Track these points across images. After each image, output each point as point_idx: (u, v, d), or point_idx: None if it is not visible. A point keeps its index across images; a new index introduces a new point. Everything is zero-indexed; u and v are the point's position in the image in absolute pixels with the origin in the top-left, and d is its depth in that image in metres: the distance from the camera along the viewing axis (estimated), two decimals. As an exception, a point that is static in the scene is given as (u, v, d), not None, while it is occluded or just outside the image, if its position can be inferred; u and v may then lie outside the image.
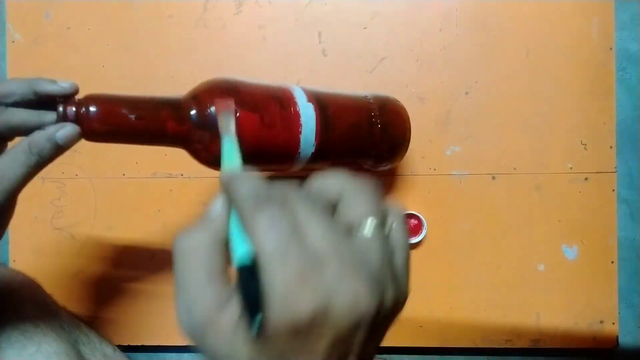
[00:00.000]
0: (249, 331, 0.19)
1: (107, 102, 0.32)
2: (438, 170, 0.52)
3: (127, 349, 0.53)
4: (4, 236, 0.54)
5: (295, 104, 0.38)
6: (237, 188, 0.20)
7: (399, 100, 0.47)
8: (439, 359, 0.54)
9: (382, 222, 0.22)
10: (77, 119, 0.31)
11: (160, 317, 0.53)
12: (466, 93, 0.52)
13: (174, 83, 0.53)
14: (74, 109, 0.31)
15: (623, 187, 0.53)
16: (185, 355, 0.55)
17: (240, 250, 0.20)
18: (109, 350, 0.50)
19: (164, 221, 0.53)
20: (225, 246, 0.21)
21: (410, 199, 0.52)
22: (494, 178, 0.52)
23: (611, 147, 0.52)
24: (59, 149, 0.31)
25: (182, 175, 0.53)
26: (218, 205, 0.22)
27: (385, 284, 0.21)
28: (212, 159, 0.36)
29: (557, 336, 0.52)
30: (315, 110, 0.39)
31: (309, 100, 0.39)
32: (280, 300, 0.18)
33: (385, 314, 0.20)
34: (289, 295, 0.18)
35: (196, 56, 0.53)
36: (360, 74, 0.53)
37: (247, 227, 0.19)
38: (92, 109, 0.31)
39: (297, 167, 0.41)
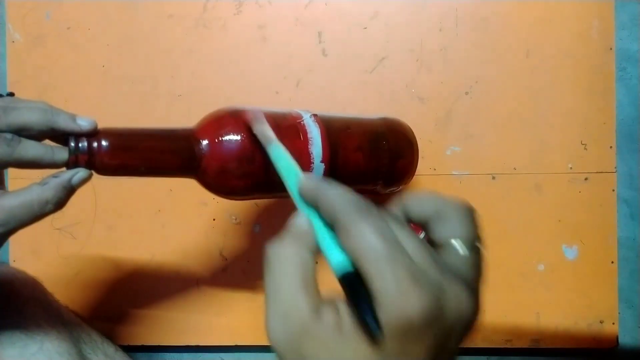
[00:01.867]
0: (357, 335, 0.20)
1: (119, 137, 0.32)
2: (438, 170, 0.52)
3: (127, 349, 0.53)
4: (4, 236, 0.54)
5: (304, 130, 0.37)
6: (333, 196, 0.22)
7: (404, 122, 0.46)
8: None
9: (472, 242, 0.23)
10: (89, 154, 0.31)
11: (161, 317, 0.53)
12: (466, 93, 0.52)
13: (174, 83, 0.53)
14: (86, 144, 0.31)
15: (623, 187, 0.53)
16: (185, 355, 0.55)
17: (339, 258, 0.21)
18: (110, 349, 0.50)
19: (164, 221, 0.53)
20: (315, 256, 0.22)
21: (410, 199, 0.52)
22: (494, 178, 0.52)
23: (611, 147, 0.52)
24: (72, 194, 0.31)
25: (182, 175, 0.53)
26: (304, 217, 0.23)
27: (479, 294, 0.22)
28: (224, 189, 0.36)
29: (557, 336, 0.52)
30: (322, 136, 0.38)
31: (317, 125, 0.38)
32: (394, 300, 0.19)
33: (473, 326, 0.22)
34: (402, 295, 0.19)
35: (196, 56, 0.53)
36: (360, 74, 0.53)
37: (348, 234, 0.20)
38: (104, 143, 0.31)
39: None
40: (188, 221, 0.53)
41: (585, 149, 0.52)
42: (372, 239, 0.20)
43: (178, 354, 0.55)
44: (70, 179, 0.30)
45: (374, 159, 0.42)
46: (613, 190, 0.52)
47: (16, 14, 0.54)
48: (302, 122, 0.38)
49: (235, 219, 0.53)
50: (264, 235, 0.53)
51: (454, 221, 0.23)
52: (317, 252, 0.22)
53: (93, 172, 0.31)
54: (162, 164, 0.34)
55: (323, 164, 0.38)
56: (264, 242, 0.55)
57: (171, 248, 0.53)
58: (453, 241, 0.22)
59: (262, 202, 0.53)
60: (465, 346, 0.56)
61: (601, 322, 0.52)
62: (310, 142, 0.37)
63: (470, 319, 0.21)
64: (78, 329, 0.48)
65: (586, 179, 0.52)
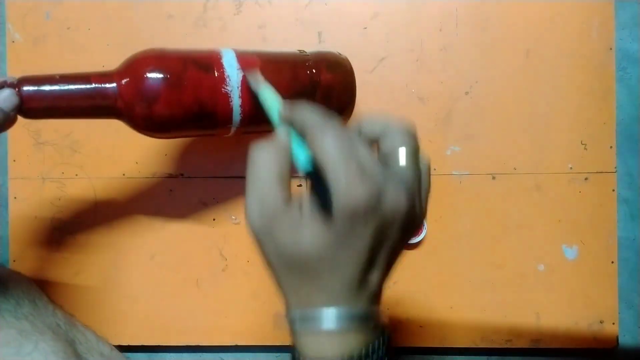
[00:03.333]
0: (315, 217, 0.25)
1: (40, 81, 0.35)
2: (438, 170, 0.52)
3: (126, 349, 0.53)
4: (4, 236, 0.55)
5: (221, 66, 0.39)
6: (304, 113, 0.27)
7: (342, 55, 0.46)
8: (438, 359, 0.54)
9: (413, 153, 0.27)
10: None
11: (160, 317, 0.53)
12: (466, 93, 0.52)
13: (174, 83, 0.53)
14: (5, 88, 0.34)
15: (623, 187, 0.53)
16: (185, 355, 0.55)
17: (305, 159, 0.27)
18: (105, 349, 0.50)
19: (164, 221, 0.53)
20: (290, 158, 0.27)
21: (410, 199, 0.52)
22: (494, 178, 0.52)
23: (611, 147, 0.52)
24: (5, 116, 0.34)
25: (182, 175, 0.53)
26: (282, 130, 0.28)
27: (415, 198, 0.26)
28: (148, 124, 0.38)
29: (557, 336, 0.52)
30: (242, 80, 0.40)
31: (238, 61, 0.40)
32: (344, 190, 0.23)
33: (410, 223, 0.26)
34: (351, 186, 0.23)
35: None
36: (360, 74, 0.52)
37: (314, 140, 0.25)
38: (25, 88, 0.35)
39: (231, 132, 0.42)
40: (188, 221, 0.53)
41: (585, 149, 0.52)
42: (331, 143, 0.24)
43: (178, 354, 0.55)
44: None
45: (302, 93, 0.42)
46: (613, 190, 0.52)
47: (16, 14, 0.54)
48: (217, 50, 0.41)
49: (235, 219, 0.53)
50: (264, 235, 0.53)
51: (397, 136, 0.27)
52: (291, 159, 0.27)
53: (18, 95, 0.35)
54: (84, 105, 0.36)
55: (240, 87, 0.39)
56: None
57: (171, 248, 0.53)
58: (399, 150, 0.27)
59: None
60: (465, 346, 0.56)
61: (601, 322, 0.52)
62: (225, 64, 0.39)
63: (406, 214, 0.25)
64: (73, 329, 0.48)
65: (586, 179, 0.52)
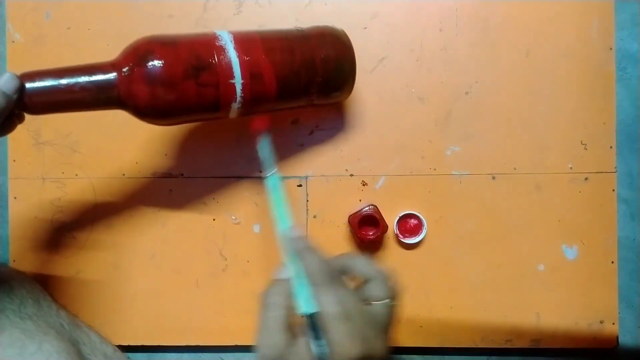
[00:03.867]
0: None
1: (41, 75, 0.36)
2: (438, 170, 0.52)
3: (127, 349, 0.53)
4: (4, 236, 0.55)
5: (221, 50, 0.39)
6: (309, 264, 0.35)
7: (339, 28, 0.46)
8: (438, 359, 0.54)
9: (392, 303, 0.36)
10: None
11: (160, 317, 0.53)
12: (466, 93, 0.52)
13: (174, 83, 0.53)
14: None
15: (623, 187, 0.53)
16: (185, 355, 0.55)
17: (305, 302, 0.34)
18: (109, 349, 0.50)
19: (164, 221, 0.53)
20: (292, 302, 0.35)
21: (410, 199, 0.52)
22: (494, 178, 0.52)
23: (611, 147, 0.52)
24: (7, 99, 0.34)
25: (182, 175, 0.53)
26: (287, 271, 0.36)
27: (390, 339, 0.36)
28: (151, 109, 0.38)
29: (557, 336, 0.52)
30: (239, 53, 0.40)
31: (235, 43, 0.40)
32: (340, 347, 0.32)
33: None
34: (346, 343, 0.32)
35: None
36: (360, 74, 0.53)
37: (316, 293, 0.34)
38: (28, 84, 0.35)
39: (234, 113, 0.42)
40: (188, 221, 0.53)
41: (585, 149, 0.52)
42: (331, 306, 0.33)
43: (178, 354, 0.55)
44: None
45: (301, 70, 0.42)
46: (613, 190, 0.52)
47: (16, 14, 0.54)
48: (214, 33, 0.41)
49: (235, 219, 0.53)
50: (264, 235, 0.53)
51: (383, 287, 0.36)
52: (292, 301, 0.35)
53: (19, 79, 0.35)
54: (87, 97, 0.37)
55: (240, 67, 0.40)
56: (264, 242, 0.56)
57: (171, 248, 0.53)
58: (376, 295, 0.36)
59: (262, 202, 0.53)
60: (465, 346, 0.56)
61: (601, 322, 0.52)
62: (223, 47, 0.40)
63: (383, 357, 0.34)
64: (77, 330, 0.48)
65: (586, 179, 0.52)
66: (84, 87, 0.36)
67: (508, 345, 0.52)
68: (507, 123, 0.52)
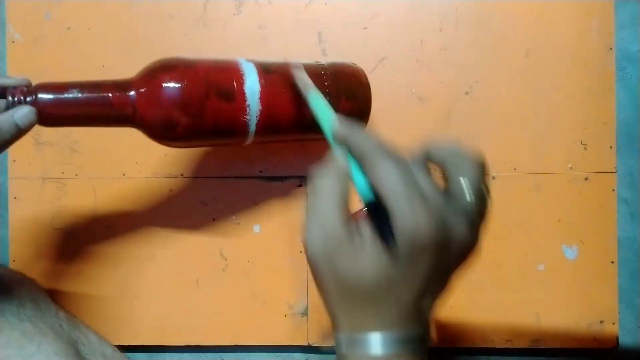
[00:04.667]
0: (376, 245, 0.25)
1: (55, 88, 0.35)
2: (438, 170, 0.52)
3: (127, 349, 0.53)
4: (4, 236, 0.55)
5: (241, 77, 0.39)
6: (361, 139, 0.27)
7: (357, 66, 0.46)
8: (439, 359, 0.54)
9: (478, 186, 0.27)
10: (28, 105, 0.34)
11: (160, 317, 0.53)
12: (466, 93, 0.52)
13: (174, 83, 0.53)
14: (22, 96, 0.34)
15: (623, 187, 0.53)
16: (185, 355, 0.55)
17: (363, 185, 0.27)
18: (108, 350, 0.50)
19: (165, 221, 0.53)
20: (349, 183, 0.27)
21: (410, 199, 0.52)
22: (494, 178, 0.52)
23: (611, 147, 0.52)
24: (19, 131, 0.33)
25: (182, 175, 0.53)
26: (339, 152, 0.28)
27: (475, 229, 0.27)
28: (165, 134, 0.38)
29: (557, 336, 0.52)
30: (260, 83, 0.39)
31: (257, 72, 0.40)
32: (408, 221, 0.23)
33: (469, 253, 0.27)
34: (414, 217, 0.23)
35: (196, 56, 0.53)
36: (360, 74, 0.53)
37: (374, 168, 0.25)
38: (41, 95, 0.34)
39: (247, 142, 0.42)
40: (188, 221, 0.53)
41: (585, 149, 0.52)
42: (392, 172, 0.25)
43: (178, 354, 0.55)
44: (12, 114, 0.33)
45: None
46: (613, 190, 0.52)
47: (16, 14, 0.54)
48: (236, 62, 0.40)
49: (235, 219, 0.53)
50: (264, 235, 0.53)
51: (465, 165, 0.27)
52: (350, 183, 0.27)
53: (36, 112, 0.34)
54: (100, 114, 0.36)
55: (260, 98, 0.39)
56: (264, 242, 0.56)
57: (171, 248, 0.53)
58: (462, 179, 0.27)
59: (262, 202, 0.53)
60: (465, 346, 0.56)
61: (601, 322, 0.52)
62: (243, 76, 0.39)
63: (467, 247, 0.26)
64: (76, 330, 0.48)
65: (586, 179, 0.52)
66: (98, 103, 0.36)
67: (508, 345, 0.52)
68: (507, 123, 0.52)
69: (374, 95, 0.53)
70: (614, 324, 0.52)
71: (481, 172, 0.27)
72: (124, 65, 0.53)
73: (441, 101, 0.52)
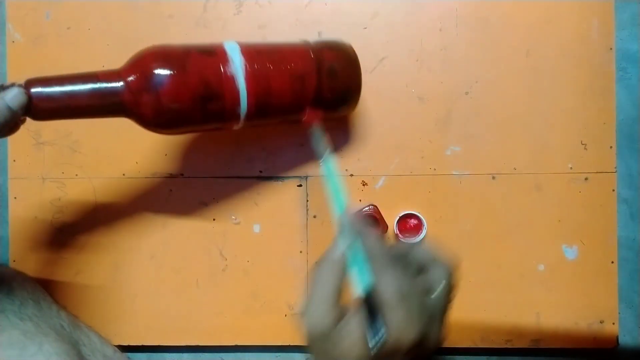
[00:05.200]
0: (360, 342, 0.29)
1: (46, 82, 0.35)
2: (438, 170, 0.52)
3: (127, 349, 0.53)
4: (4, 236, 0.55)
5: (227, 61, 0.39)
6: (370, 244, 0.32)
7: (346, 43, 0.46)
8: (439, 359, 0.54)
9: (451, 288, 0.33)
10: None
11: (160, 317, 0.53)
12: (466, 93, 0.52)
13: (174, 83, 0.53)
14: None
15: (623, 187, 0.53)
16: (185, 355, 0.55)
17: (365, 283, 0.31)
18: (109, 350, 0.50)
19: (164, 221, 0.53)
20: (345, 274, 0.32)
21: (410, 199, 0.52)
22: (494, 178, 0.52)
23: (611, 147, 0.52)
24: (12, 114, 0.34)
25: (182, 175, 0.53)
26: (342, 246, 0.33)
27: (445, 329, 0.33)
28: (156, 120, 0.38)
29: (557, 336, 0.52)
30: (246, 66, 0.40)
31: (242, 55, 0.40)
32: (397, 331, 0.29)
33: (435, 350, 0.32)
34: (404, 329, 0.29)
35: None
36: (360, 74, 0.53)
37: (375, 272, 0.30)
38: (33, 90, 0.35)
39: (239, 123, 0.42)
40: (188, 221, 0.53)
41: (585, 149, 0.52)
42: (390, 286, 0.30)
43: (178, 354, 0.55)
44: (3, 97, 0.34)
45: (306, 84, 0.42)
46: (613, 190, 0.52)
47: (16, 14, 0.54)
48: (221, 45, 0.40)
49: (235, 219, 0.53)
50: (264, 235, 0.53)
51: (442, 272, 0.33)
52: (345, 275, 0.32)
53: (26, 94, 0.35)
54: (90, 104, 0.36)
55: (246, 79, 0.39)
56: (264, 242, 0.55)
57: (171, 248, 0.53)
58: (438, 283, 0.32)
59: (262, 202, 0.53)
60: (465, 346, 0.56)
61: (601, 322, 0.52)
62: (229, 59, 0.39)
63: (436, 347, 0.31)
64: (77, 331, 0.48)
65: (586, 179, 0.52)
66: (89, 94, 0.36)
67: (508, 345, 0.52)
68: (507, 123, 0.52)
69: (374, 95, 0.53)
70: (614, 324, 0.52)
71: (452, 276, 0.33)
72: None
73: (441, 101, 0.52)
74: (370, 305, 0.30)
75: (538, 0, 0.52)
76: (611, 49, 0.52)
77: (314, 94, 0.43)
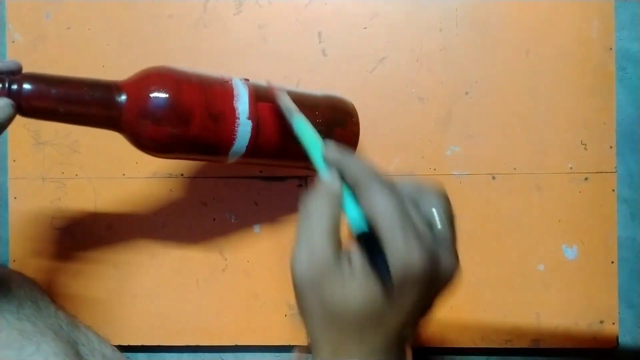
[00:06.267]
0: (366, 276, 0.24)
1: (42, 81, 0.34)
2: (438, 170, 0.52)
3: (127, 349, 0.53)
4: (4, 236, 0.55)
5: (230, 87, 0.39)
6: (355, 165, 0.26)
7: (352, 103, 0.46)
8: (439, 359, 0.54)
9: (448, 214, 0.28)
10: (11, 96, 0.33)
11: (160, 317, 0.53)
12: (466, 93, 0.52)
13: (174, 83, 0.53)
14: (7, 84, 0.33)
15: (623, 187, 0.53)
16: (185, 355, 0.55)
17: (356, 215, 0.26)
18: (108, 350, 0.50)
19: (164, 221, 0.53)
20: (341, 209, 0.26)
21: (410, 199, 0.52)
22: (494, 178, 0.52)
23: (611, 147, 0.52)
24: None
25: (182, 175, 0.53)
26: (333, 177, 0.27)
27: (458, 259, 0.27)
28: (148, 144, 0.37)
29: (557, 336, 0.52)
30: (250, 94, 0.39)
31: (250, 99, 0.39)
32: (402, 254, 0.23)
33: (453, 282, 0.27)
34: (408, 250, 0.23)
35: (196, 56, 0.53)
36: (360, 74, 0.53)
37: (366, 194, 0.25)
38: (26, 86, 0.33)
39: (228, 162, 0.42)
40: (188, 221, 0.53)
41: (585, 149, 0.52)
42: (387, 202, 0.24)
43: (178, 354, 0.55)
44: None
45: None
46: (613, 190, 0.52)
47: (16, 14, 0.54)
48: (229, 82, 0.39)
49: (235, 219, 0.53)
50: (264, 235, 0.53)
51: (433, 199, 0.28)
52: (342, 209, 0.27)
53: (14, 105, 0.33)
54: (83, 112, 0.35)
55: (250, 121, 0.39)
56: (264, 242, 0.55)
57: (171, 248, 0.53)
58: (434, 210, 0.27)
59: (262, 202, 0.53)
60: (465, 346, 0.56)
61: (601, 322, 0.52)
62: (235, 98, 0.38)
63: (452, 278, 0.26)
64: (75, 331, 0.48)
65: (586, 179, 0.52)
66: (87, 101, 0.35)
67: (508, 345, 0.52)
68: (507, 123, 0.52)
69: (374, 95, 0.53)
70: (614, 324, 0.52)
71: (447, 202, 0.28)
72: (124, 65, 0.54)
73: (441, 101, 0.52)
74: (372, 240, 0.25)
75: (538, 0, 0.52)
76: (611, 49, 0.52)
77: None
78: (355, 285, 0.25)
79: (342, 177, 0.27)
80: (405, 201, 0.26)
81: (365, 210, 0.25)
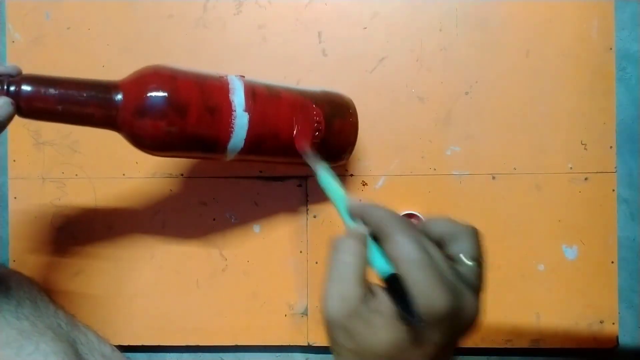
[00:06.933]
0: (393, 319, 0.26)
1: (40, 82, 0.34)
2: (438, 170, 0.52)
3: (127, 349, 0.53)
4: (4, 236, 0.55)
5: (226, 82, 0.39)
6: (378, 213, 0.28)
7: (352, 100, 0.46)
8: None
9: (476, 257, 0.28)
10: (10, 97, 0.34)
11: (160, 317, 0.53)
12: (466, 93, 0.52)
13: (174, 83, 0.53)
14: (5, 86, 0.34)
15: (623, 187, 0.53)
16: (185, 355, 0.55)
17: (381, 261, 0.27)
18: (107, 349, 0.50)
19: (164, 221, 0.53)
20: (367, 254, 0.28)
21: (410, 199, 0.52)
22: (494, 178, 0.52)
23: (611, 147, 0.52)
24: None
25: (182, 175, 0.53)
26: (360, 227, 0.29)
27: (481, 302, 0.28)
28: (147, 142, 0.37)
29: (557, 336, 0.52)
30: (245, 88, 0.39)
31: (245, 93, 0.39)
32: (426, 297, 0.24)
33: (476, 323, 0.28)
34: (432, 294, 0.25)
35: (196, 56, 0.53)
36: (360, 74, 0.53)
37: (389, 240, 0.26)
38: (25, 87, 0.34)
39: (227, 159, 0.41)
40: (188, 221, 0.53)
41: (585, 149, 0.52)
42: (411, 249, 0.26)
43: (178, 354, 0.55)
44: None
45: (302, 118, 0.42)
46: (613, 190, 0.52)
47: (16, 14, 0.54)
48: (225, 77, 0.40)
49: (235, 219, 0.53)
50: (264, 235, 0.53)
51: (464, 241, 0.28)
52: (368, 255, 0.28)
53: (14, 105, 0.34)
54: (80, 112, 0.35)
55: (246, 113, 0.39)
56: (264, 242, 0.55)
57: (171, 248, 0.53)
58: (462, 256, 0.28)
59: (262, 202, 0.53)
60: (465, 346, 0.56)
61: (601, 322, 0.52)
62: (231, 91, 0.39)
63: (475, 320, 0.27)
64: (75, 330, 0.48)
65: (586, 179, 0.52)
66: (85, 101, 0.35)
67: (508, 345, 0.52)
68: (507, 123, 0.52)
69: (374, 95, 0.53)
70: (614, 324, 0.52)
71: (477, 241, 0.29)
72: (124, 65, 0.53)
73: (441, 101, 0.52)
74: (397, 284, 0.26)
75: (538, 0, 0.52)
76: (611, 49, 0.52)
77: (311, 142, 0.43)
78: (382, 327, 0.26)
79: (366, 225, 0.29)
80: (429, 243, 0.27)
81: (389, 254, 0.26)
